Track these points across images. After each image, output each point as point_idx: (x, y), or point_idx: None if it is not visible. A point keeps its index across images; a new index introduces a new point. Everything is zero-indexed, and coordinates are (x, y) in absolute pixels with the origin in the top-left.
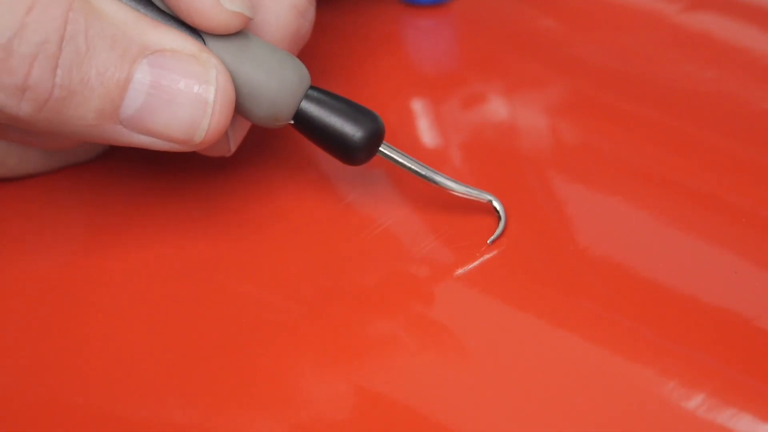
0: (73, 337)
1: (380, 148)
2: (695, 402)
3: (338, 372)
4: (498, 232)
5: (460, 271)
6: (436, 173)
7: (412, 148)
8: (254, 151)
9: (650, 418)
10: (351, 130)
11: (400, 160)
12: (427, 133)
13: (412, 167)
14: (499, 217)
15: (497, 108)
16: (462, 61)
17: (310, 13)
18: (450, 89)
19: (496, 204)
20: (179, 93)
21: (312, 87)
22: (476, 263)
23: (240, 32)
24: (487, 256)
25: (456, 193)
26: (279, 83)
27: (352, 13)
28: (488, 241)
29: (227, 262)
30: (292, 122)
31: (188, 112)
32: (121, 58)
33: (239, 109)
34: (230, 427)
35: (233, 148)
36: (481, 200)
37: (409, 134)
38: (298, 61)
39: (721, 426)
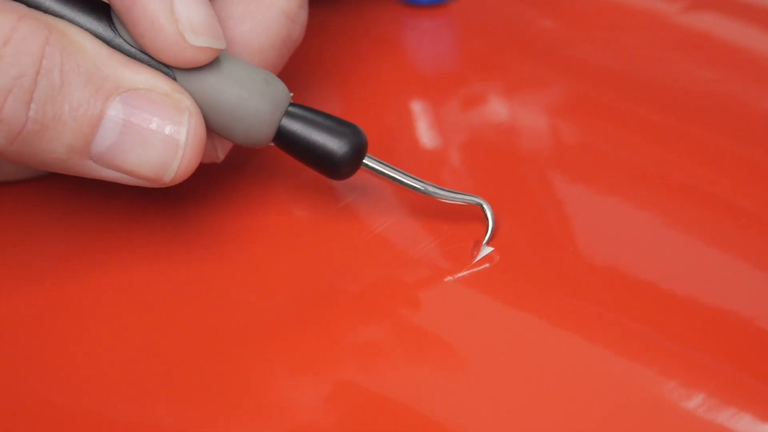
0: (60, 342)
1: (364, 161)
2: (695, 402)
3: (333, 377)
4: (488, 235)
5: (460, 274)
6: (421, 182)
7: (412, 148)
8: (248, 155)
9: (650, 418)
10: (334, 145)
11: (385, 171)
12: (426, 133)
13: (397, 177)
14: (488, 221)
15: (497, 108)
16: (462, 61)
17: (302, 17)
18: (450, 89)
19: (485, 207)
20: (151, 133)
21: (292, 104)
22: (475, 265)
23: (218, 57)
24: (486, 256)
25: (444, 200)
26: (254, 109)
27: (352, 13)
28: (484, 243)
29: (223, 267)
30: (272, 143)
31: (159, 152)
32: (95, 94)
33: (219, 132)
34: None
35: (221, 156)
36: (471, 204)
37: (409, 135)
38: (275, 81)
39: (721, 426)
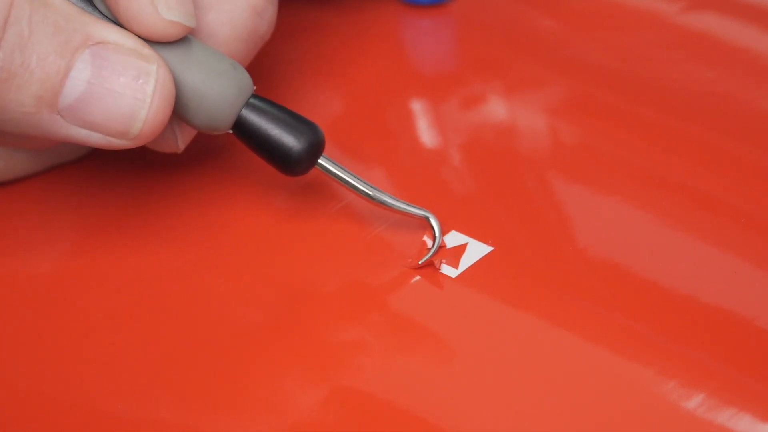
0: (59, 338)
1: (319, 161)
2: (695, 402)
3: (332, 376)
4: (433, 250)
5: (421, 260)
6: (373, 189)
7: (412, 148)
8: (249, 156)
9: (650, 418)
10: (290, 140)
11: (338, 173)
12: (426, 133)
13: (350, 181)
14: (435, 235)
15: (497, 108)
16: (461, 61)
17: (269, 13)
18: (449, 89)
19: (432, 221)
20: (119, 84)
21: (254, 96)
22: (424, 265)
23: (184, 39)
24: (486, 256)
25: (394, 210)
26: (218, 92)
27: (352, 13)
28: (419, 262)
29: (221, 267)
30: (231, 131)
31: (127, 104)
32: (64, 46)
33: (179, 115)
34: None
35: (181, 145)
36: (419, 217)
37: (409, 134)
38: (240, 69)
39: (721, 426)
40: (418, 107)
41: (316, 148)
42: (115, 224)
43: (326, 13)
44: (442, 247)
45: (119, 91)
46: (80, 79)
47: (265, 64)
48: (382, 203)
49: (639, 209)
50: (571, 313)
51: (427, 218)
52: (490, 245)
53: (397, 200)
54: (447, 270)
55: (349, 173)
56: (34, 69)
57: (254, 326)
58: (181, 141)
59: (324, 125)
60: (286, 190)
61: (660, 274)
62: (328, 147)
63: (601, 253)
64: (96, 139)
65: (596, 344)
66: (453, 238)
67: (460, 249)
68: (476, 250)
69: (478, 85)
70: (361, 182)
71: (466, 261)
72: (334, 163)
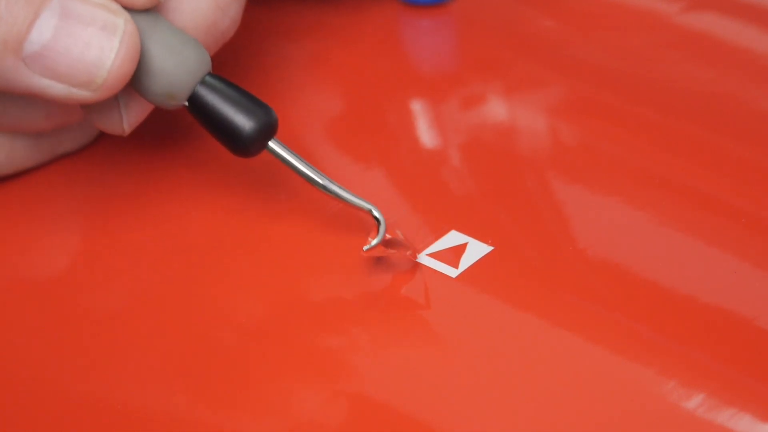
0: (59, 337)
1: (270, 144)
2: (695, 402)
3: (324, 377)
4: (376, 240)
5: (372, 243)
6: (321, 176)
7: (412, 148)
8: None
9: (650, 418)
10: (242, 120)
11: (288, 158)
12: (426, 133)
13: (299, 167)
14: (379, 225)
15: (497, 108)
16: (461, 61)
17: (232, 10)
18: (449, 89)
19: (376, 213)
20: (86, 33)
21: (211, 74)
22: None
23: (149, 12)
24: (486, 256)
25: (339, 199)
26: (177, 62)
27: (352, 12)
28: (364, 248)
29: (222, 269)
30: (186, 104)
31: (93, 54)
32: None
33: (136, 85)
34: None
35: (127, 128)
36: (363, 209)
37: (409, 134)
38: (200, 45)
39: (721, 426)
40: (417, 107)
41: (267, 130)
42: (114, 225)
43: (326, 13)
44: (397, 242)
45: (85, 41)
46: (47, 26)
47: (265, 64)
48: (330, 192)
49: (639, 209)
50: (571, 313)
51: (370, 211)
52: (490, 245)
53: (345, 191)
54: (447, 270)
55: (300, 159)
56: (2, 13)
57: (253, 326)
58: (126, 123)
59: (324, 125)
60: (286, 190)
61: (660, 274)
62: (329, 146)
63: (601, 253)
64: (58, 90)
65: (596, 344)
66: (453, 238)
67: (460, 249)
68: (476, 250)
69: (478, 85)
70: (310, 169)
71: (466, 261)
72: (285, 148)
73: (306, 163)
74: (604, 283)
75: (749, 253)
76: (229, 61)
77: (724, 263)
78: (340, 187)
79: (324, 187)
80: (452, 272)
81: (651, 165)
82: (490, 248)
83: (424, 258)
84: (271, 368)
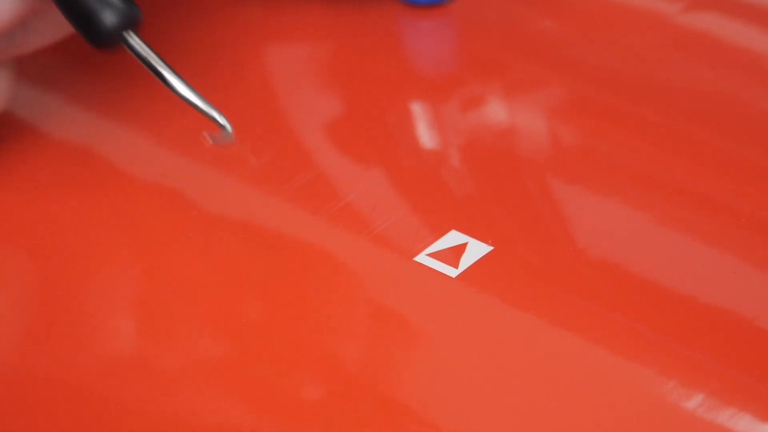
0: (57, 336)
1: (127, 36)
2: (695, 402)
3: (323, 376)
4: (217, 142)
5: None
6: (172, 74)
7: (411, 148)
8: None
9: (650, 418)
10: (101, 6)
11: (142, 53)
12: (426, 133)
13: (154, 65)
14: (225, 130)
15: (496, 109)
16: (461, 61)
17: None
18: (450, 90)
19: (222, 120)
20: None
21: None
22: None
23: None
24: (486, 256)
25: (186, 101)
26: None
27: (352, 13)
28: (210, 141)
29: (221, 267)
30: None
31: None
32: None
33: None
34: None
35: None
36: (208, 116)
37: (409, 134)
38: None
39: (721, 426)
40: (418, 108)
41: (126, 19)
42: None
43: (326, 14)
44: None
45: None
46: None
47: (265, 64)
48: (176, 92)
49: (639, 209)
50: (571, 313)
51: (214, 118)
52: (490, 245)
53: (193, 92)
54: (447, 270)
55: (158, 58)
56: None
57: (253, 323)
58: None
59: (324, 125)
60: (286, 190)
61: (660, 274)
62: (329, 146)
63: (601, 253)
64: None
65: (596, 344)
66: (453, 238)
67: (460, 249)
68: (476, 250)
69: (478, 85)
70: (166, 69)
71: (466, 261)
72: (144, 44)
73: (164, 63)
74: (604, 283)
75: (749, 253)
76: (229, 60)
77: (724, 263)
78: (190, 90)
79: (173, 87)
80: (452, 272)
81: (651, 165)
82: (490, 248)
83: (424, 258)
84: (272, 368)
